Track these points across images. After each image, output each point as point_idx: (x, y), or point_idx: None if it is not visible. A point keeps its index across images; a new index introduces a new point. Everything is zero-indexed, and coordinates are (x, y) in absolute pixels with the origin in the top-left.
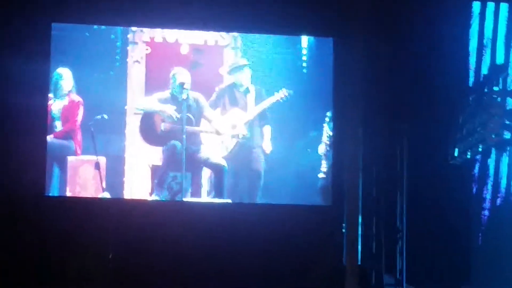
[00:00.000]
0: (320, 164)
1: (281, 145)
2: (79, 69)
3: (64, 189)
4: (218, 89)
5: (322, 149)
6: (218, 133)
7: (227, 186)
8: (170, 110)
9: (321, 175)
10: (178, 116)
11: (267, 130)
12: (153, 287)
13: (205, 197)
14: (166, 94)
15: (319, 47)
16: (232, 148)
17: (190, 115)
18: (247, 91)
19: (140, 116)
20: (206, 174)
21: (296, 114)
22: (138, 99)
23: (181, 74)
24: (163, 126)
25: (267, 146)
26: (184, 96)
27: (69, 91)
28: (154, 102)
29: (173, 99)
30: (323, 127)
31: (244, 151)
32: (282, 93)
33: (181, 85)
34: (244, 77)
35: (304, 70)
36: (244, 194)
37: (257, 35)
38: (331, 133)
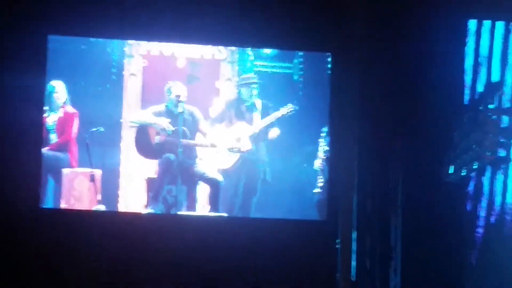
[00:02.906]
0: (316, 179)
1: (277, 160)
2: (75, 82)
3: (59, 202)
4: (225, 102)
5: (318, 164)
6: (213, 145)
7: (223, 200)
8: (165, 123)
9: (317, 190)
10: (173, 129)
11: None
12: None
13: (200, 210)
14: (161, 107)
15: (316, 62)
16: (235, 161)
17: (185, 129)
18: (253, 105)
19: (135, 129)
20: (201, 187)
21: (293, 129)
22: (134, 112)
23: (177, 87)
24: (157, 139)
25: None
26: (180, 109)
27: (64, 104)
28: (149, 115)
29: (168, 112)
30: (319, 142)
31: (247, 165)
32: (287, 108)
33: (177, 98)
34: (252, 92)
35: (301, 85)
36: (240, 208)
37: (253, 50)
38: (327, 148)
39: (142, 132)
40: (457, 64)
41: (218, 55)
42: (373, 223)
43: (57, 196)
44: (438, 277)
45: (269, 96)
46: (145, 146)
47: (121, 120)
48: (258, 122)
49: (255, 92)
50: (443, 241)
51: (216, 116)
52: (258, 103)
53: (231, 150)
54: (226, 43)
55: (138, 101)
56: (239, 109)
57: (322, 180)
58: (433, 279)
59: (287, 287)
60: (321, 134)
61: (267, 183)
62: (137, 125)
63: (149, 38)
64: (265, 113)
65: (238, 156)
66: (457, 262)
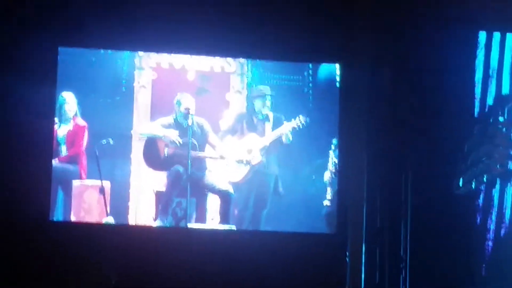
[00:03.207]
0: (326, 192)
1: (287, 172)
2: (85, 94)
3: (69, 213)
4: (237, 114)
5: (327, 176)
6: (222, 157)
7: (233, 212)
8: (173, 135)
9: (326, 203)
10: (181, 141)
11: None
12: None
13: (210, 223)
14: (170, 119)
15: (325, 74)
16: (246, 174)
17: (194, 141)
18: (266, 118)
19: (143, 141)
20: (211, 199)
21: (303, 141)
22: (143, 124)
23: (186, 100)
24: (166, 151)
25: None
26: (189, 122)
27: (74, 116)
28: (157, 127)
29: (177, 125)
30: (328, 154)
31: (258, 177)
32: (298, 120)
33: (187, 110)
34: (265, 105)
35: (310, 97)
36: (250, 221)
37: (263, 62)
38: (336, 161)
39: (151, 144)
40: (467, 76)
41: (227, 68)
42: (383, 236)
43: (67, 208)
44: None
45: (280, 108)
46: (154, 158)
47: (131, 132)
48: (270, 135)
49: (268, 104)
50: (452, 253)
51: (228, 128)
52: (270, 115)
53: (240, 162)
54: (235, 55)
55: (147, 113)
56: (251, 121)
57: (331, 192)
58: None
59: None
60: (331, 146)
61: (279, 195)
62: (146, 137)
63: (159, 50)
64: (276, 125)
65: (248, 169)
66: (467, 274)
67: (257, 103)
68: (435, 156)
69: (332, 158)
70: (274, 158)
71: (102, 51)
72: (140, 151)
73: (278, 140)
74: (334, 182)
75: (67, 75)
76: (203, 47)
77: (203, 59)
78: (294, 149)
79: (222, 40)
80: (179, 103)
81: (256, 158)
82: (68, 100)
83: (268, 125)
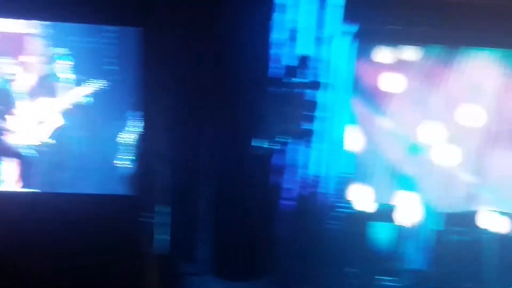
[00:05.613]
0: (124, 153)
1: (88, 135)
2: None
3: None
4: (38, 77)
5: (127, 137)
6: (24, 121)
7: (35, 175)
8: None
9: (124, 163)
10: None
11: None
12: None
13: (13, 186)
14: None
15: (128, 37)
16: (48, 136)
17: None
18: (67, 80)
19: None
20: (13, 163)
21: (101, 103)
22: None
23: None
24: None
25: None
26: None
27: None
28: None
29: None
30: (129, 116)
31: (59, 140)
32: (98, 83)
33: None
34: (61, 67)
35: (115, 60)
36: (52, 183)
37: (66, 24)
38: (138, 123)
39: None
40: (263, 37)
41: (29, 30)
42: (182, 196)
43: None
44: (249, 250)
45: (82, 70)
46: None
47: None
48: (70, 97)
49: (67, 67)
50: (251, 213)
51: (29, 91)
52: (72, 77)
53: (42, 125)
54: (34, 17)
55: None
56: (52, 84)
57: (131, 153)
58: (244, 252)
59: (97, 262)
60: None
61: (83, 157)
62: None
63: None
64: (78, 87)
65: (50, 132)
66: (266, 234)
67: (56, 67)
68: (231, 118)
69: (133, 120)
70: (75, 120)
71: None
72: None
73: (79, 103)
74: (134, 144)
75: None
76: (3, 9)
77: (3, 20)
78: (94, 111)
79: (22, 2)
80: None
81: (57, 120)
82: None
83: (70, 88)
